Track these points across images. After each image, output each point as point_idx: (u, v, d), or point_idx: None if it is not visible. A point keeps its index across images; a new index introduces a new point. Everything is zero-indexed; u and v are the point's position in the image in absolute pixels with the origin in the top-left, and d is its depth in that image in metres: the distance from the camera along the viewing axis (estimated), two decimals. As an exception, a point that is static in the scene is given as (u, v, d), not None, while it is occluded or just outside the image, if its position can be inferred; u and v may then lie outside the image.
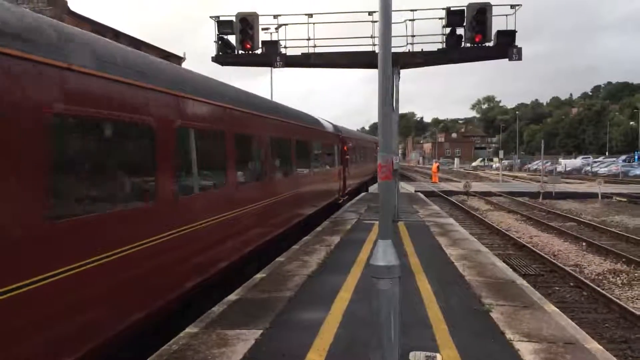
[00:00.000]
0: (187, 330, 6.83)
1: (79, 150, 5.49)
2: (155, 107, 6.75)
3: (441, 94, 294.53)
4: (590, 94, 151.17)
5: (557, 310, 7.76)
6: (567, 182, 43.20)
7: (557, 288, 12.04)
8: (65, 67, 5.04)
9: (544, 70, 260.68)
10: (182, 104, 7.56)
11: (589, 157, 70.69)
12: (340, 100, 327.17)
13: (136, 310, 6.20)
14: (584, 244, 16.76)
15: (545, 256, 14.80)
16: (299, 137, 15.39)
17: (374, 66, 11.15)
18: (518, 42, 16.02)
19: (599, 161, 64.79)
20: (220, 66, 17.82)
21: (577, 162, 67.79)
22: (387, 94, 4.84)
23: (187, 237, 7.49)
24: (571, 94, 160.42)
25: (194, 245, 7.80)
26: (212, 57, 17.48)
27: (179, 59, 29.92)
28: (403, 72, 17.99)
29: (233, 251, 9.58)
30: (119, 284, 5.83)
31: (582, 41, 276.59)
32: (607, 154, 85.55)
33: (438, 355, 5.87)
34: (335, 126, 23.57)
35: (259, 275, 9.83)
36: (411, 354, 5.82)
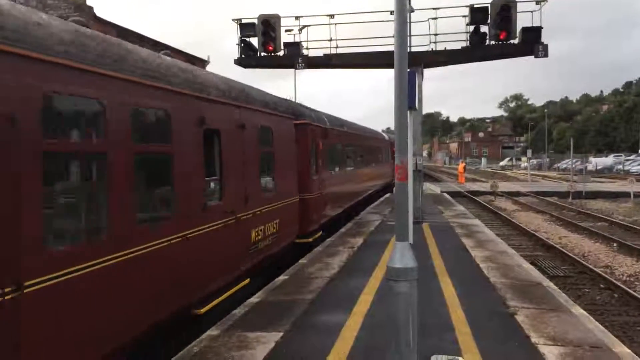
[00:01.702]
0: (209, 332, 6.86)
1: (342, 153, 17.77)
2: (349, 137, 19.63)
3: (467, 94, 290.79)
4: (622, 90, 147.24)
5: (585, 312, 7.56)
6: (598, 182, 42.24)
7: (586, 290, 11.74)
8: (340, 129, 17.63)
9: (573, 67, 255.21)
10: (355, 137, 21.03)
11: (621, 155, 68.76)
12: (366, 101, 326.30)
13: (350, 201, 18.81)
14: (615, 244, 16.33)
15: (575, 257, 14.46)
16: (376, 144, 27.52)
17: (396, 66, 11.11)
18: (544, 39, 15.75)
19: (631, 159, 62.94)
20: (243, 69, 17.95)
21: (608, 160, 66.05)
22: (404, 94, 4.77)
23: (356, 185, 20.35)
24: (601, 91, 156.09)
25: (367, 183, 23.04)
26: (235, 60, 17.61)
27: (203, 63, 30.14)
28: (428, 71, 17.83)
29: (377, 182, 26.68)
30: (342, 196, 17.14)
31: (613, 37, 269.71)
32: (639, 151, 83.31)
33: (460, 358, 5.76)
34: (387, 134, 35.53)
35: (281, 278, 9.83)
36: (433, 357, 5.73)
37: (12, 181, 4.02)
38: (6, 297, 3.81)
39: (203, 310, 7.10)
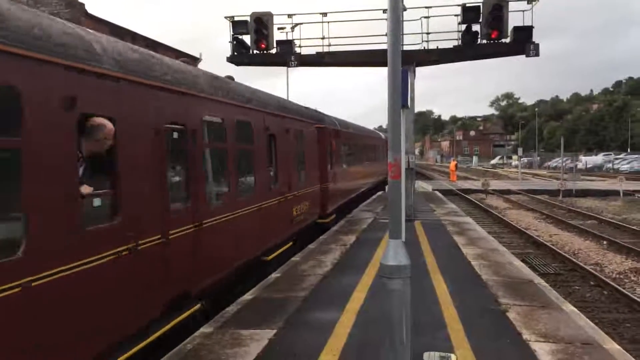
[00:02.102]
0: (202, 330, 6.85)
1: (348, 151, 20.90)
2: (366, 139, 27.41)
3: (459, 92, 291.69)
4: (612, 89, 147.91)
5: (575, 310, 7.63)
6: (588, 180, 42.53)
7: (577, 287, 11.84)
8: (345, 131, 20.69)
9: (564, 67, 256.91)
10: (366, 139, 27.78)
11: (611, 154, 69.23)
12: (360, 99, 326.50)
13: (353, 193, 21.98)
14: (604, 242, 16.47)
15: (565, 255, 14.57)
16: (374, 142, 30.52)
17: (388, 64, 11.18)
18: (536, 39, 15.81)
19: (621, 158, 63.42)
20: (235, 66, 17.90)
21: (597, 159, 66.46)
22: (397, 92, 4.79)
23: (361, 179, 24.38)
24: (591, 90, 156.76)
25: (366, 178, 26.18)
26: (227, 58, 17.54)
27: (195, 60, 30.03)
28: (420, 70, 17.87)
29: (373, 178, 29.13)
30: (347, 188, 20.33)
31: (604, 38, 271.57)
32: (629, 150, 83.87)
33: (452, 355, 5.80)
34: (383, 133, 38.10)
35: (274, 275, 9.83)
36: (425, 355, 5.76)
37: (193, 166, 7.06)
38: (196, 229, 6.99)
39: (269, 257, 10.26)
